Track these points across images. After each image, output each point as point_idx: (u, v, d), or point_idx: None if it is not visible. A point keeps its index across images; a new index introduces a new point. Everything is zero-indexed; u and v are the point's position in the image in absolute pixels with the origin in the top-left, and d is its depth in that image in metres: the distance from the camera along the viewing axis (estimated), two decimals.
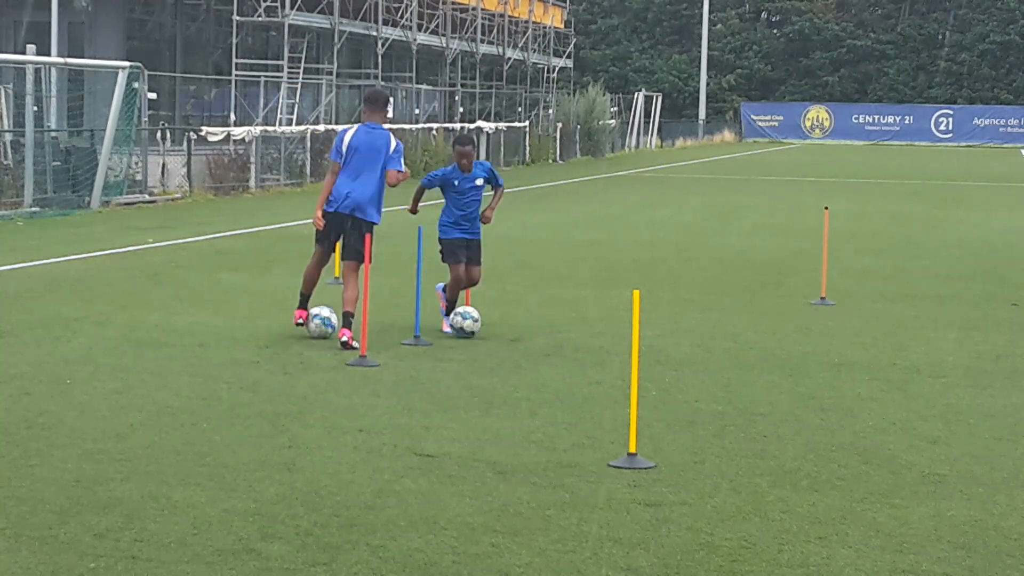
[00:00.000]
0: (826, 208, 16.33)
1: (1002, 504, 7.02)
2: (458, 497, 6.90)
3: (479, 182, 12.25)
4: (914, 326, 12.96)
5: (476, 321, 11.84)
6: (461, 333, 11.75)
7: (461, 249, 12.29)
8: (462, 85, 47.75)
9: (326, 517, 6.51)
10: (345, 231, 11.80)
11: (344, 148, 11.78)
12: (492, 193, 12.56)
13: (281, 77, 34.22)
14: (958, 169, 50.84)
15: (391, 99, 13.75)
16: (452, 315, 11.93)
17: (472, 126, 44.63)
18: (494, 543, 6.19)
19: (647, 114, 66.67)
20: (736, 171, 46.94)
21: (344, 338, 11.06)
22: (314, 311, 11.61)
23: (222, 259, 17.50)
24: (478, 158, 14.46)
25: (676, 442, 8.17)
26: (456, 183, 12.22)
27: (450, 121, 44.77)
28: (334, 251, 12.01)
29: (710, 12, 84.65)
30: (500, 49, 49.91)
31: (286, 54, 34.60)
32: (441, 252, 12.43)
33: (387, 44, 40.03)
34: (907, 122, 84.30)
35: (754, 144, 79.97)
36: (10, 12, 35.40)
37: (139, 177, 26.93)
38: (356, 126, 11.98)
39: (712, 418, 8.85)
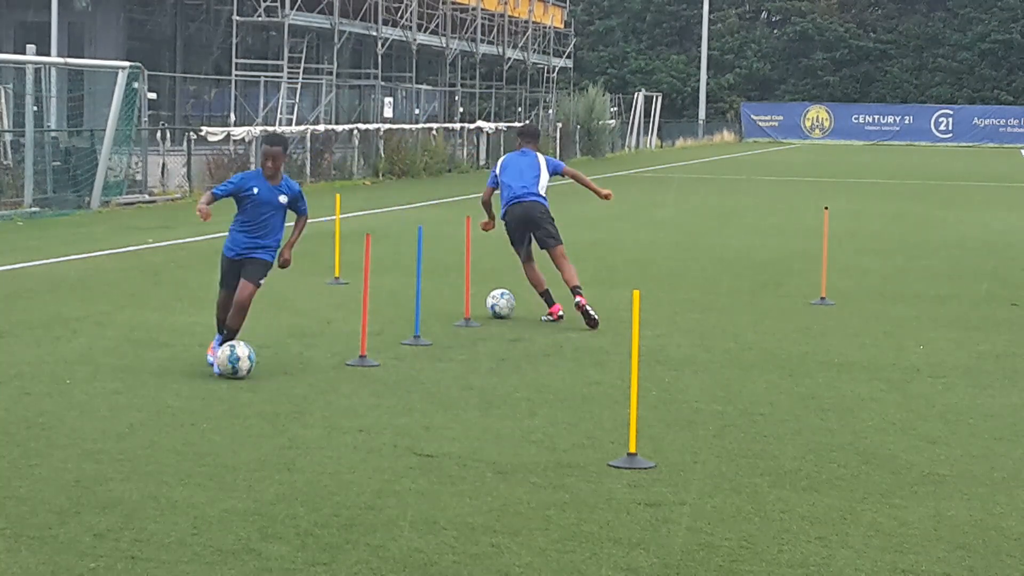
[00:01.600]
0: (826, 208, 16.33)
1: (1002, 504, 7.02)
2: (458, 497, 6.90)
3: (282, 199, 10.22)
4: (914, 326, 12.96)
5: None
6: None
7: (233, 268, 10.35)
8: (462, 85, 47.74)
9: (326, 517, 6.51)
10: (530, 224, 12.86)
11: (498, 172, 13.21)
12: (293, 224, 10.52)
13: (281, 77, 34.22)
14: (958, 169, 50.84)
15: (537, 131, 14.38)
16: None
17: (472, 126, 44.63)
18: (494, 543, 6.20)
19: (647, 114, 66.66)
20: (736, 171, 46.95)
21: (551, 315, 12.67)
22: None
23: None
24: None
25: (676, 442, 8.17)
26: (256, 191, 10.16)
27: (450, 121, 44.78)
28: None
29: (710, 12, 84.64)
30: (500, 49, 49.90)
31: (286, 54, 34.60)
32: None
33: (387, 44, 40.03)
34: (907, 122, 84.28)
35: (754, 144, 79.97)
36: (10, 12, 35.40)
37: (139, 177, 26.92)
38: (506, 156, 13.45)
39: (712, 418, 8.85)
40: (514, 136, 15.40)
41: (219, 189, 10.23)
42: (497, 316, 12.78)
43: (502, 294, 12.96)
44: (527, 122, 16.42)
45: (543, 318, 12.82)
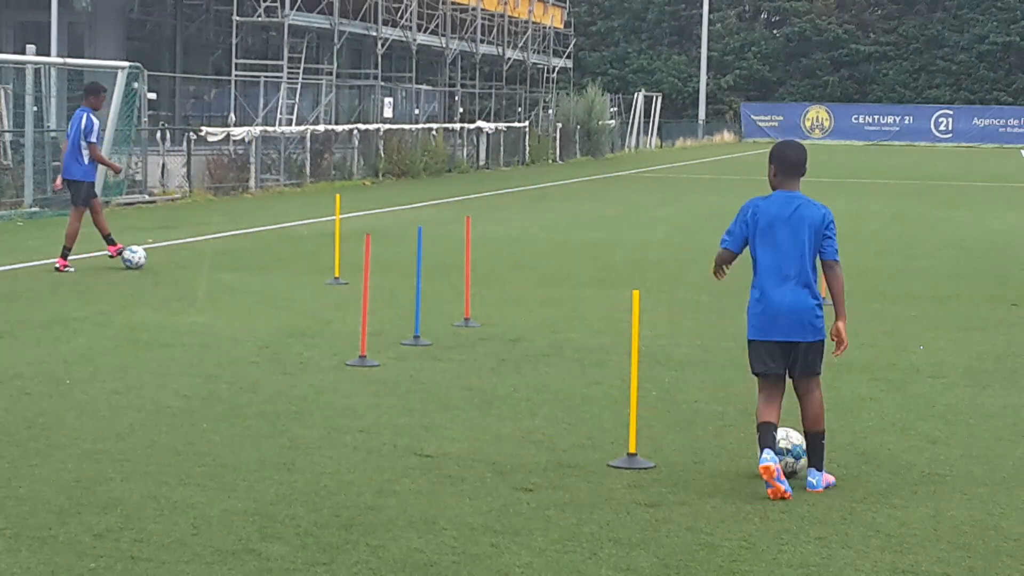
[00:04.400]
0: None
1: (1002, 504, 7.02)
2: (458, 497, 6.90)
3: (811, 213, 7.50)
4: (914, 326, 12.96)
5: None
6: None
7: None
8: (462, 85, 47.73)
9: (326, 517, 6.50)
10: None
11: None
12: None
13: (281, 77, 34.21)
14: (958, 169, 50.83)
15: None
16: None
17: (472, 126, 44.60)
18: (494, 543, 6.19)
19: (647, 114, 66.64)
20: (736, 171, 46.93)
21: None
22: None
23: (222, 259, 17.49)
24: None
25: (676, 442, 8.17)
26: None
27: (450, 121, 44.76)
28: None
29: (709, 12, 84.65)
30: (500, 49, 49.89)
31: (286, 54, 34.58)
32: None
33: (387, 44, 40.02)
34: (907, 122, 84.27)
35: (754, 144, 79.93)
36: (10, 12, 35.39)
37: (139, 177, 26.91)
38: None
39: (712, 418, 8.84)
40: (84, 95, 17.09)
41: (730, 238, 7.54)
42: None
43: None
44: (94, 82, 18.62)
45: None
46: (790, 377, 7.34)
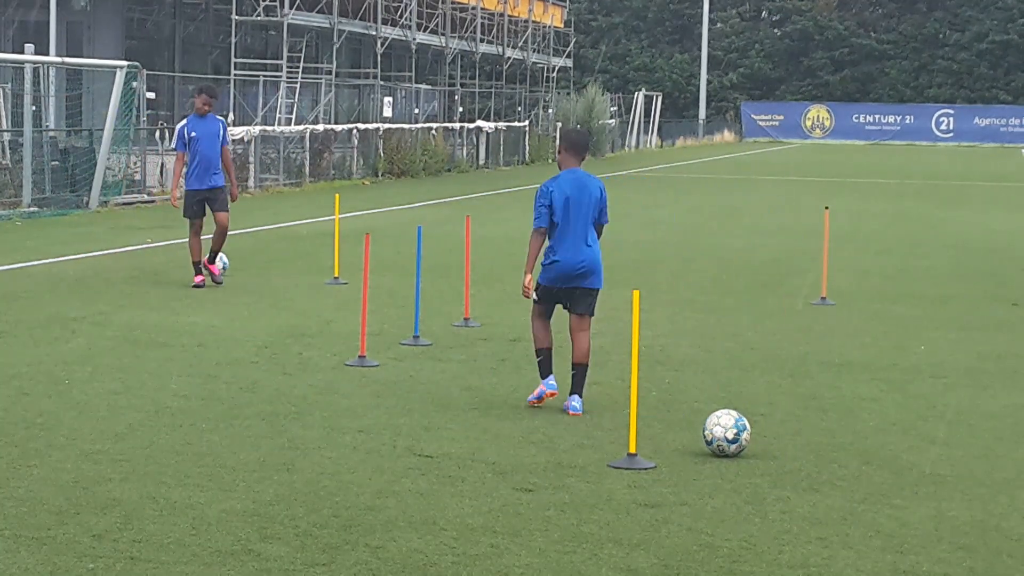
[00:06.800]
0: (827, 208, 16.31)
1: (1003, 505, 7.01)
2: (458, 497, 6.88)
3: None
4: (914, 326, 12.95)
5: None
6: None
7: None
8: (462, 85, 47.71)
9: (325, 518, 6.49)
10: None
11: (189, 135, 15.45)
12: None
13: (280, 77, 34.20)
14: (958, 169, 50.81)
15: None
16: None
17: (472, 126, 44.60)
18: (494, 544, 6.18)
19: (647, 114, 66.62)
20: (736, 171, 46.92)
21: None
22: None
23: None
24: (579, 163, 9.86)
25: (676, 442, 8.16)
26: None
27: (449, 121, 44.74)
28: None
29: (711, 11, 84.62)
30: (500, 49, 49.88)
31: (285, 53, 34.58)
32: None
33: (386, 44, 40.01)
34: (908, 122, 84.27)
35: (754, 144, 79.94)
36: (9, 11, 35.38)
37: (138, 177, 26.87)
38: None
39: None
40: (197, 94, 15.85)
41: (541, 219, 9.06)
42: None
43: None
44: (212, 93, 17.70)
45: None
46: (566, 309, 9.02)
